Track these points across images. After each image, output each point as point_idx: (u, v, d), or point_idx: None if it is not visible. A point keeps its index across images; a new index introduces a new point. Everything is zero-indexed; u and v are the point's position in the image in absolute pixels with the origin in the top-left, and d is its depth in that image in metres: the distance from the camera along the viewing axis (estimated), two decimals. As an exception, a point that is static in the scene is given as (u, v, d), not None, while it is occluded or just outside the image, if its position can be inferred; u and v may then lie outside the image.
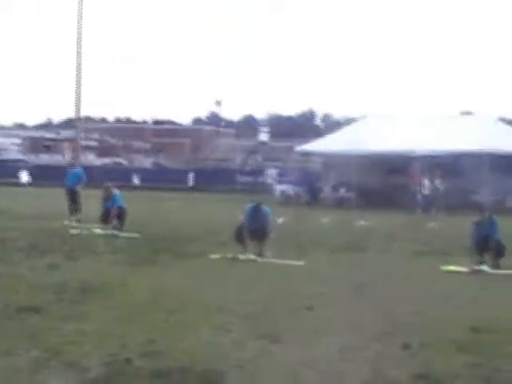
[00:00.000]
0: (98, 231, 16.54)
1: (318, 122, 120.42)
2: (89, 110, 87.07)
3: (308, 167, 40.01)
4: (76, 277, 10.19)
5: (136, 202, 23.12)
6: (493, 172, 27.57)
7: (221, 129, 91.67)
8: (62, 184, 21.10)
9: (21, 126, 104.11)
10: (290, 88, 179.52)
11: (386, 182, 30.45)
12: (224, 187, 39.96)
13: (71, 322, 7.39)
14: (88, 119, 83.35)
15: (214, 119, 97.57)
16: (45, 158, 66.35)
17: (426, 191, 28.29)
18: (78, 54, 44.57)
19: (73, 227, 17.52)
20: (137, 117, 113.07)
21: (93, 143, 79.33)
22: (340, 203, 29.79)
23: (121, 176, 38.51)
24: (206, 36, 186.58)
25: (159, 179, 43.84)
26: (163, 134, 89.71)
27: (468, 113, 45.85)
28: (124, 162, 64.13)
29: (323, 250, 14.36)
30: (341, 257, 13.46)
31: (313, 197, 32.05)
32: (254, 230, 13.04)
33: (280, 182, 35.97)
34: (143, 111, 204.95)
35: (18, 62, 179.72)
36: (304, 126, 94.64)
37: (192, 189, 41.26)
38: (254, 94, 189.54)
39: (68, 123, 79.76)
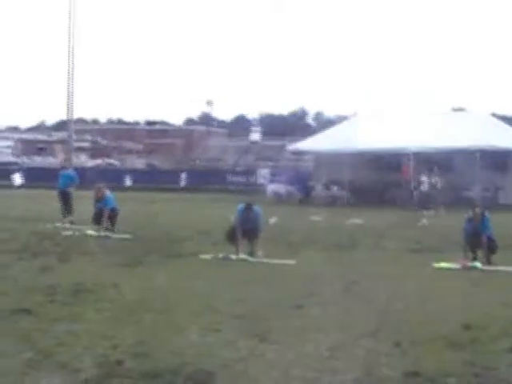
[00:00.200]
0: (90, 232, 16.53)
1: (309, 120, 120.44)
2: (81, 111, 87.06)
3: (300, 166, 40.07)
4: (68, 278, 10.20)
5: (128, 203, 23.09)
6: (485, 168, 27.67)
7: (213, 129, 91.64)
8: (54, 186, 21.08)
9: (14, 129, 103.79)
10: (281, 87, 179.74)
11: (379, 179, 30.52)
12: (216, 187, 39.92)
13: (63, 323, 7.41)
14: (80, 121, 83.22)
15: (206, 119, 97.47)
16: (37, 160, 66.21)
17: (424, 188, 28.29)
18: (70, 55, 44.49)
19: (65, 229, 17.51)
20: (129, 118, 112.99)
21: (85, 144, 79.21)
22: (332, 201, 29.81)
23: (113, 177, 38.43)
24: (197, 36, 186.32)
25: (151, 180, 43.79)
26: (155, 134, 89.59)
27: (460, 109, 46.02)
28: (116, 162, 64.03)
29: (315, 248, 14.38)
30: (332, 255, 13.48)
31: (305, 195, 32.08)
32: (246, 230, 13.07)
33: (272, 182, 35.96)
34: (135, 112, 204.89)
35: (11, 65, 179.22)
36: (296, 125, 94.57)
37: (184, 189, 41.20)
38: (245, 94, 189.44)
39: (60, 125, 79.62)
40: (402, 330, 7.27)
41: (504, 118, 38.86)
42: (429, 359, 6.21)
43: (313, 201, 30.72)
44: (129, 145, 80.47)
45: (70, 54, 44.53)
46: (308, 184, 33.34)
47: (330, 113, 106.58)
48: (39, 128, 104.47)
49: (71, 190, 19.86)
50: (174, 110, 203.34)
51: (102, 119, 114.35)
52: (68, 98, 45.34)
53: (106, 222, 16.85)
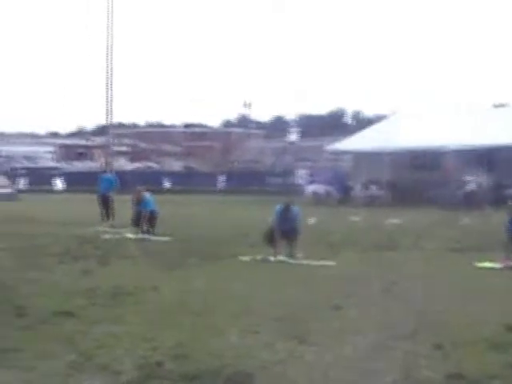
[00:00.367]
0: (130, 236, 16.69)
1: (348, 120, 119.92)
2: (120, 115, 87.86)
3: (338, 166, 39.92)
4: (108, 281, 10.32)
5: (166, 206, 23.24)
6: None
7: (250, 131, 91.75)
8: (94, 190, 21.31)
9: (54, 135, 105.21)
10: (319, 87, 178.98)
11: (418, 178, 30.22)
12: (254, 189, 39.96)
13: (103, 325, 7.50)
14: (119, 125, 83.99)
15: (244, 121, 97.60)
16: (77, 165, 67.13)
17: (471, 187, 27.92)
18: (108, 60, 44.97)
19: (105, 232, 17.70)
20: (167, 121, 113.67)
21: (124, 148, 79.99)
22: (371, 201, 29.64)
23: (152, 180, 38.75)
24: (234, 38, 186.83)
25: (189, 182, 44.06)
26: (193, 137, 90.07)
27: (501, 105, 45.32)
28: (155, 165, 64.55)
29: (354, 249, 14.32)
30: (371, 256, 13.41)
31: (344, 196, 31.95)
32: (285, 231, 13.05)
33: (310, 182, 35.90)
34: (173, 115, 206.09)
35: (50, 72, 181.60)
36: (334, 125, 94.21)
37: (222, 191, 41.36)
38: (283, 95, 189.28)
39: (100, 130, 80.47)
40: (442, 331, 7.18)
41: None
42: (471, 361, 6.11)
43: (352, 201, 30.59)
44: (167, 148, 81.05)
45: (108, 58, 45.03)
46: (347, 184, 33.22)
47: (368, 112, 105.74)
48: (79, 133, 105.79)
49: (112, 193, 20.05)
50: (212, 112, 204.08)
51: (141, 123, 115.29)
52: (107, 103, 45.84)
53: (145, 225, 16.99)
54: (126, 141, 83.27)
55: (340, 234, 17.11)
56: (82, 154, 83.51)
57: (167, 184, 42.11)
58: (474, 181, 27.79)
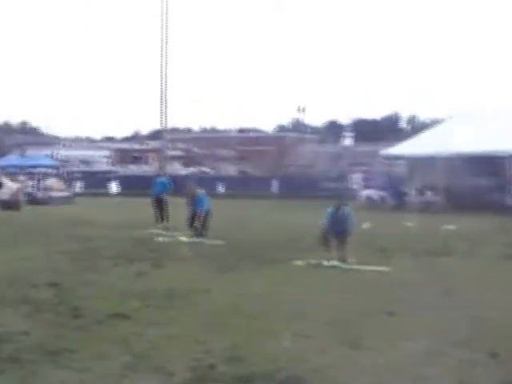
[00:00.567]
0: (184, 239, 16.84)
1: (403, 124, 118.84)
2: (175, 120, 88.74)
3: (393, 171, 39.53)
4: (162, 284, 10.45)
5: (221, 210, 23.36)
6: None
7: (304, 135, 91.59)
8: (149, 193, 21.56)
9: (110, 139, 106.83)
10: (373, 91, 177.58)
11: (475, 184, 29.71)
12: (308, 194, 39.85)
13: (158, 327, 7.61)
14: (174, 130, 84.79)
15: (298, 126, 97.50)
16: (133, 169, 67.99)
17: None
18: (163, 65, 45.42)
19: (159, 235, 17.89)
20: (221, 126, 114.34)
21: (179, 153, 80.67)
22: (426, 207, 29.24)
23: (206, 184, 38.90)
24: (288, 43, 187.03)
25: (244, 187, 44.16)
26: (248, 142, 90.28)
27: None
28: (209, 170, 64.93)
29: (408, 255, 14.18)
30: (426, 262, 13.26)
31: (398, 201, 31.64)
32: (336, 232, 13.03)
33: (365, 187, 35.65)
34: (228, 120, 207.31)
35: (106, 78, 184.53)
36: (389, 130, 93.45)
37: (276, 196, 41.36)
38: (337, 100, 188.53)
39: (155, 134, 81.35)
40: (497, 339, 7.08)
41: None
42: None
43: (406, 206, 30.24)
44: (221, 152, 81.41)
45: (163, 63, 45.45)
46: (401, 189, 32.87)
47: (424, 116, 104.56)
48: (134, 138, 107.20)
49: (166, 196, 20.25)
50: (266, 117, 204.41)
51: (196, 128, 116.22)
52: (161, 108, 46.27)
53: (199, 224, 17.10)
54: (180, 145, 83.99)
55: (394, 239, 16.96)
56: (136, 157, 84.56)
57: (221, 188, 42.31)
58: None
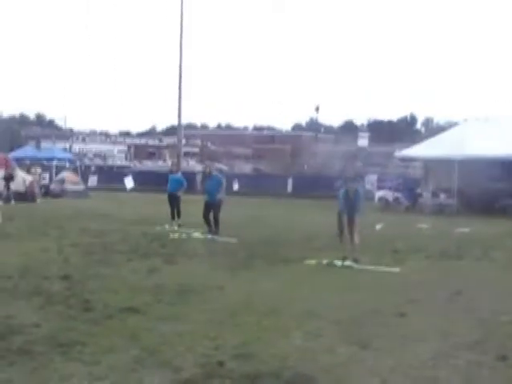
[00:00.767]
0: (197, 235, 16.90)
1: (418, 126, 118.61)
2: (191, 116, 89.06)
3: (408, 173, 39.45)
4: (174, 279, 10.49)
5: (235, 208, 23.43)
6: None
7: (320, 135, 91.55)
8: (164, 189, 21.63)
9: (126, 134, 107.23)
10: (390, 92, 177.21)
11: (490, 187, 29.57)
12: (322, 193, 39.83)
13: (168, 323, 7.64)
14: (190, 126, 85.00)
15: (314, 125, 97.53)
16: (148, 165, 68.22)
17: None
18: (180, 61, 45.53)
19: (173, 231, 17.95)
20: (237, 123, 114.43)
21: (194, 149, 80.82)
22: (440, 209, 29.16)
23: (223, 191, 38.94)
24: (306, 42, 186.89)
25: (259, 185, 44.19)
26: (263, 140, 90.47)
27: None
28: (224, 167, 65.02)
29: (420, 256, 14.15)
30: (438, 264, 13.24)
31: (412, 203, 31.56)
32: (348, 211, 13.20)
33: (379, 188, 35.59)
34: (244, 118, 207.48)
35: (124, 73, 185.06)
36: (404, 131, 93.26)
37: (290, 194, 41.37)
38: (353, 100, 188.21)
39: (171, 130, 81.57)
40: (507, 342, 7.06)
41: None
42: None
43: (420, 208, 30.17)
44: (237, 150, 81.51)
45: (181, 60, 45.58)
46: (415, 191, 32.78)
47: (439, 119, 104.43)
48: (150, 133, 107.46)
49: (180, 193, 20.31)
50: (283, 115, 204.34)
51: (212, 124, 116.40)
52: (178, 104, 46.39)
53: (213, 221, 17.26)
54: (197, 142, 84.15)
55: (407, 240, 16.93)
56: (152, 153, 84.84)
57: (236, 186, 42.34)
58: None
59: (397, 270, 12.12)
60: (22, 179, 30.95)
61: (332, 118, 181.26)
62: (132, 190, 34.58)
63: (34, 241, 15.28)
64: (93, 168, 53.70)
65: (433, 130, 75.69)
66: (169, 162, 39.53)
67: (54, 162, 42.05)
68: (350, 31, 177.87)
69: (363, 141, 76.25)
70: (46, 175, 39.02)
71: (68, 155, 51.45)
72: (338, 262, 12.64)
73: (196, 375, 5.80)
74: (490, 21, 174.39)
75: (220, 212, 17.61)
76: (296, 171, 54.95)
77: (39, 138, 55.24)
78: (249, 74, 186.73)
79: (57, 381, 5.68)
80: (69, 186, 36.01)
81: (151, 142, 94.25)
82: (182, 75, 45.74)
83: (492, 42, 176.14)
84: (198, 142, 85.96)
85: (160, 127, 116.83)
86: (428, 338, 7.17)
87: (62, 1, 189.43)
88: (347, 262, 12.64)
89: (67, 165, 43.38)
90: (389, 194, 33.10)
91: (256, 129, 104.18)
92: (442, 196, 30.62)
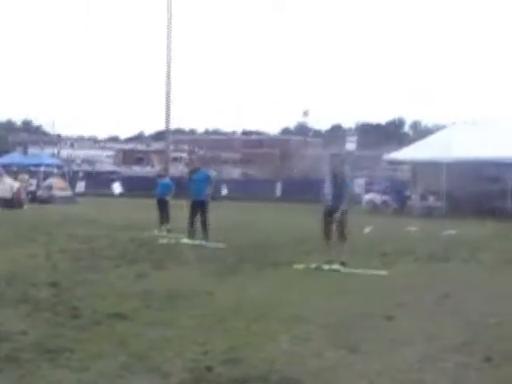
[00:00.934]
0: (186, 241, 16.87)
1: (407, 129, 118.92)
2: (179, 122, 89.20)
3: (396, 176, 39.58)
4: (163, 285, 10.47)
5: (224, 212, 23.45)
6: None
7: (308, 139, 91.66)
8: (152, 195, 21.62)
9: (114, 139, 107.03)
10: (378, 95, 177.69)
11: (478, 189, 29.73)
12: (311, 197, 39.89)
13: (156, 328, 7.62)
14: (178, 131, 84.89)
15: (302, 129, 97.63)
16: (136, 170, 68.11)
17: None
18: (168, 66, 45.47)
19: (162, 237, 17.93)
20: (226, 128, 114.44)
21: (182, 154, 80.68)
22: (428, 212, 29.29)
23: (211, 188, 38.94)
24: (294, 46, 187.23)
25: (247, 189, 44.23)
26: (252, 144, 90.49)
27: None
28: (213, 172, 64.95)
29: (408, 259, 14.19)
30: (426, 266, 13.28)
31: (401, 206, 31.68)
32: (334, 198, 13.01)
33: (367, 191, 35.69)
34: (232, 122, 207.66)
35: (111, 77, 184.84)
36: (393, 134, 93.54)
37: (280, 199, 41.42)
38: (342, 103, 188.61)
39: (159, 135, 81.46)
40: (493, 344, 7.09)
41: None
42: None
43: (408, 211, 30.29)
44: (226, 154, 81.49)
45: (169, 64, 45.54)
46: (404, 194, 32.92)
47: (427, 121, 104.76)
48: (138, 138, 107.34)
49: (168, 197, 20.30)
50: (271, 119, 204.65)
51: (200, 129, 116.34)
52: (166, 109, 46.33)
53: (202, 226, 17.17)
54: (185, 147, 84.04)
55: (395, 243, 16.98)
56: (140, 158, 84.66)
57: (225, 191, 42.33)
58: None
59: (385, 273, 12.15)
60: (9, 185, 30.84)
61: (321, 122, 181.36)
62: (120, 195, 34.55)
63: (20, 247, 15.22)
64: (81, 173, 53.52)
65: (421, 132, 75.93)
66: (157, 168, 39.56)
67: (42, 168, 41.90)
68: (338, 35, 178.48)
69: (351, 145, 76.27)
70: (34, 181, 38.87)
71: (56, 161, 51.28)
72: (326, 266, 12.66)
73: (184, 380, 5.80)
74: (476, 25, 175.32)
75: (208, 214, 17.53)
76: (285, 175, 54.99)
77: (26, 143, 55.10)
78: (237, 78, 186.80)
79: (45, 387, 5.66)
80: (56, 192, 35.93)
81: (139, 146, 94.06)
82: (170, 80, 45.70)
83: (480, 45, 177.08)
84: (186, 147, 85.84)
85: (148, 132, 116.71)
86: (416, 340, 7.19)
87: (49, 5, 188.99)
88: (335, 266, 12.64)
89: (55, 171, 43.24)
90: (377, 197, 33.25)
91: (244, 133, 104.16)
92: (431, 198, 30.76)
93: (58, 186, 36.85)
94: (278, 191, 43.92)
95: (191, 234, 17.30)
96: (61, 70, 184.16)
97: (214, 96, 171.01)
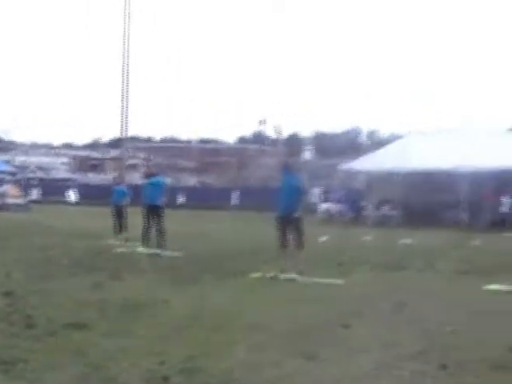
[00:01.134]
0: (142, 250, 16.78)
1: (363, 139, 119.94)
2: (136, 129, 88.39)
3: (352, 185, 39.92)
4: (119, 294, 10.38)
5: (180, 221, 23.37)
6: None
7: (265, 147, 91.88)
8: (107, 203, 21.47)
9: (69, 146, 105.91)
10: (335, 105, 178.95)
11: (432, 199, 30.20)
12: (268, 205, 40.02)
13: (113, 338, 7.55)
14: (134, 138, 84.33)
15: (259, 138, 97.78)
16: (92, 177, 67.53)
17: (505, 209, 28.11)
18: (125, 73, 45.30)
19: (118, 245, 17.80)
20: (182, 136, 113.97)
21: (138, 162, 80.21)
22: (384, 221, 29.65)
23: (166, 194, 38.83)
24: (251, 55, 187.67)
25: (204, 198, 44.21)
26: (208, 152, 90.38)
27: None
28: (170, 180, 64.80)
29: (364, 268, 14.33)
30: (381, 275, 13.42)
31: (356, 215, 31.99)
32: (290, 191, 13.10)
33: (324, 201, 35.95)
34: (189, 131, 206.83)
35: (67, 84, 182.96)
36: (349, 144, 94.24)
37: (236, 207, 41.48)
38: (298, 113, 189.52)
39: (115, 143, 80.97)
40: (448, 352, 7.20)
41: None
42: (474, 381, 6.16)
43: (364, 220, 30.60)
44: (182, 163, 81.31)
45: (125, 72, 45.36)
46: (359, 203, 33.24)
47: (384, 131, 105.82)
48: (94, 145, 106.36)
49: (124, 203, 20.17)
50: (227, 128, 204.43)
51: (156, 137, 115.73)
52: (122, 116, 46.11)
53: (158, 235, 17.08)
54: (141, 154, 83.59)
55: (351, 252, 17.13)
56: (96, 166, 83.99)
57: (181, 199, 42.22)
58: (509, 203, 27.97)
59: (341, 282, 12.24)
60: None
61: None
62: (76, 203, 34.25)
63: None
64: (35, 181, 52.87)
65: (377, 142, 76.68)
66: (111, 175, 39.32)
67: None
68: (295, 44, 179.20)
69: (308, 154, 76.86)
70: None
71: (9, 168, 50.59)
72: (282, 275, 12.71)
73: (141, 390, 5.77)
74: (434, 36, 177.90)
75: (164, 221, 17.46)
76: (242, 184, 55.11)
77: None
78: (193, 86, 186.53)
79: (-1, 399, 5.58)
80: (10, 200, 35.45)
81: (95, 154, 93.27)
82: (127, 87, 45.50)
83: (436, 57, 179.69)
84: (143, 154, 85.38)
85: (105, 139, 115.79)
86: (372, 348, 7.26)
87: (7, 8, 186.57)
88: (292, 275, 12.70)
89: (8, 178, 42.65)
90: (332, 207, 33.51)
91: (201, 141, 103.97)
92: (385, 208, 31.14)
93: (11, 193, 36.38)
94: (235, 199, 43.97)
95: (146, 242, 17.21)
96: (15, 74, 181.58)
97: (171, 104, 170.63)
